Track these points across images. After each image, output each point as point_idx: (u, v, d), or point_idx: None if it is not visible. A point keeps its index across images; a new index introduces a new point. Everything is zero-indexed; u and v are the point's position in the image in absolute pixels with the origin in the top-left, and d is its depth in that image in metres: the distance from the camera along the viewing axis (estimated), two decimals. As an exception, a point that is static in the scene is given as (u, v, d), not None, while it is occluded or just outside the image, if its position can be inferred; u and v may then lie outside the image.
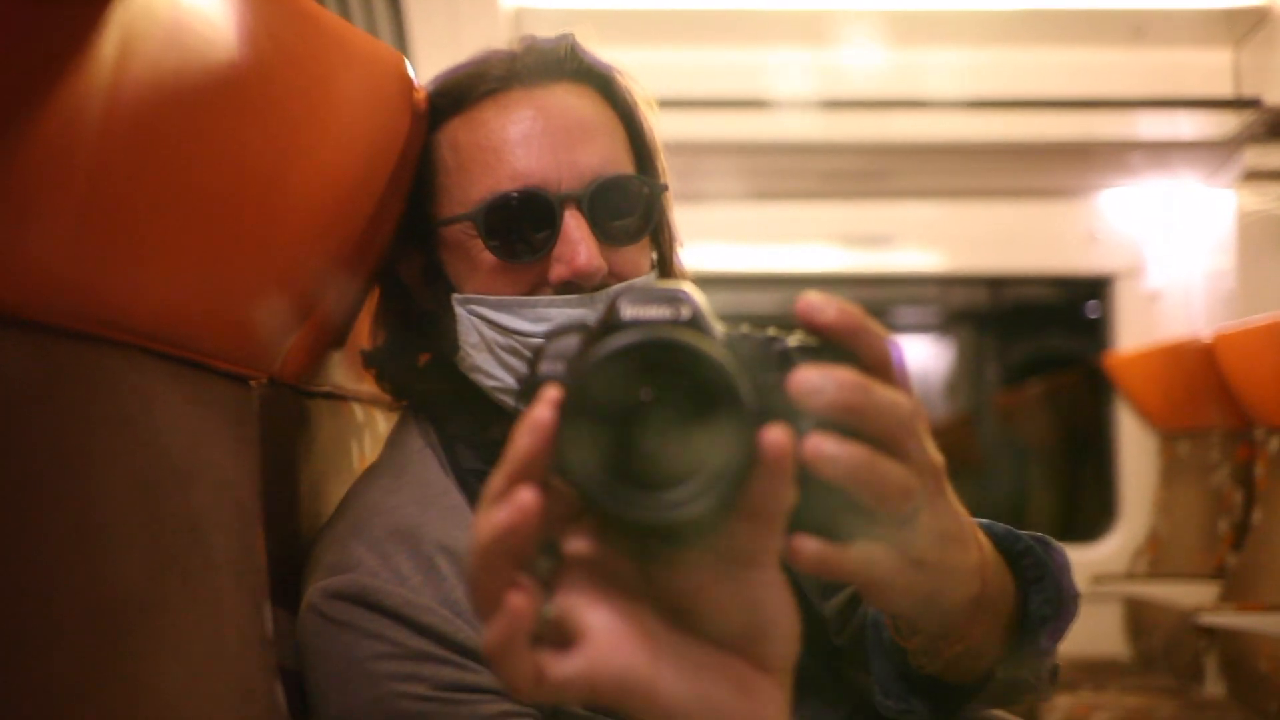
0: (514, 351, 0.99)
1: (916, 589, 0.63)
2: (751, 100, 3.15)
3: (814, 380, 0.55)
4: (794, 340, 0.59)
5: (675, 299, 0.55)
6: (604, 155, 1.00)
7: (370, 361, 1.13)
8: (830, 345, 0.59)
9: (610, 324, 0.55)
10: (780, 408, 0.55)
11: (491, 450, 1.03)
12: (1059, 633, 0.82)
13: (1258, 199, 3.42)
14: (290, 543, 1.07)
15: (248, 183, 0.85)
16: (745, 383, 0.52)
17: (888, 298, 4.68)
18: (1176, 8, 3.22)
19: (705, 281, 0.58)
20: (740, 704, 0.52)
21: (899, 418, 0.57)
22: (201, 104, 0.76)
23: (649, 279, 1.02)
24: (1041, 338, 5.02)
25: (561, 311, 0.97)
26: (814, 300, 0.58)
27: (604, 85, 1.04)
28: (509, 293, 0.99)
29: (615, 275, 0.99)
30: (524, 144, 0.98)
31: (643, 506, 0.52)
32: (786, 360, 0.58)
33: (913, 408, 0.58)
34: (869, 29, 3.25)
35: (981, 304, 5.05)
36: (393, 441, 1.09)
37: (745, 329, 0.58)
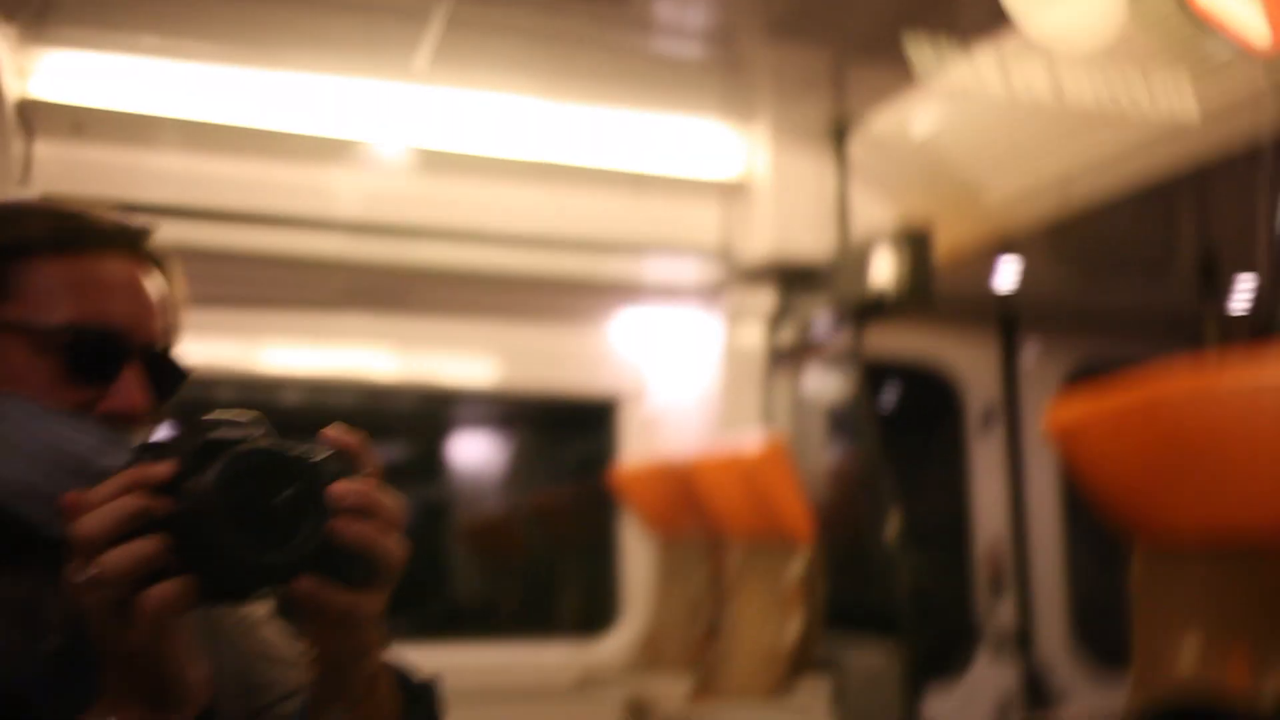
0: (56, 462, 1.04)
1: (352, 641, 0.94)
2: (273, 216, 3.26)
3: (344, 490, 0.90)
4: (324, 451, 0.92)
5: (256, 424, 0.90)
6: (166, 323, 1.16)
7: None
8: (346, 455, 0.94)
9: (213, 442, 0.87)
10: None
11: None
12: None
13: (740, 336, 3.94)
14: None
15: None
16: (322, 478, 0.88)
17: (449, 395, 4.83)
18: (671, 176, 3.69)
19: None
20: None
21: (395, 511, 0.93)
22: None
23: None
24: (589, 440, 5.35)
25: (104, 434, 1.06)
26: (332, 430, 0.95)
27: (161, 266, 1.18)
28: (57, 406, 1.06)
29: (149, 419, 1.11)
30: (111, 293, 1.11)
31: (275, 556, 0.85)
32: (323, 462, 0.90)
33: (400, 504, 0.94)
34: (401, 161, 3.47)
35: (532, 405, 5.31)
36: None
37: (294, 442, 0.90)
